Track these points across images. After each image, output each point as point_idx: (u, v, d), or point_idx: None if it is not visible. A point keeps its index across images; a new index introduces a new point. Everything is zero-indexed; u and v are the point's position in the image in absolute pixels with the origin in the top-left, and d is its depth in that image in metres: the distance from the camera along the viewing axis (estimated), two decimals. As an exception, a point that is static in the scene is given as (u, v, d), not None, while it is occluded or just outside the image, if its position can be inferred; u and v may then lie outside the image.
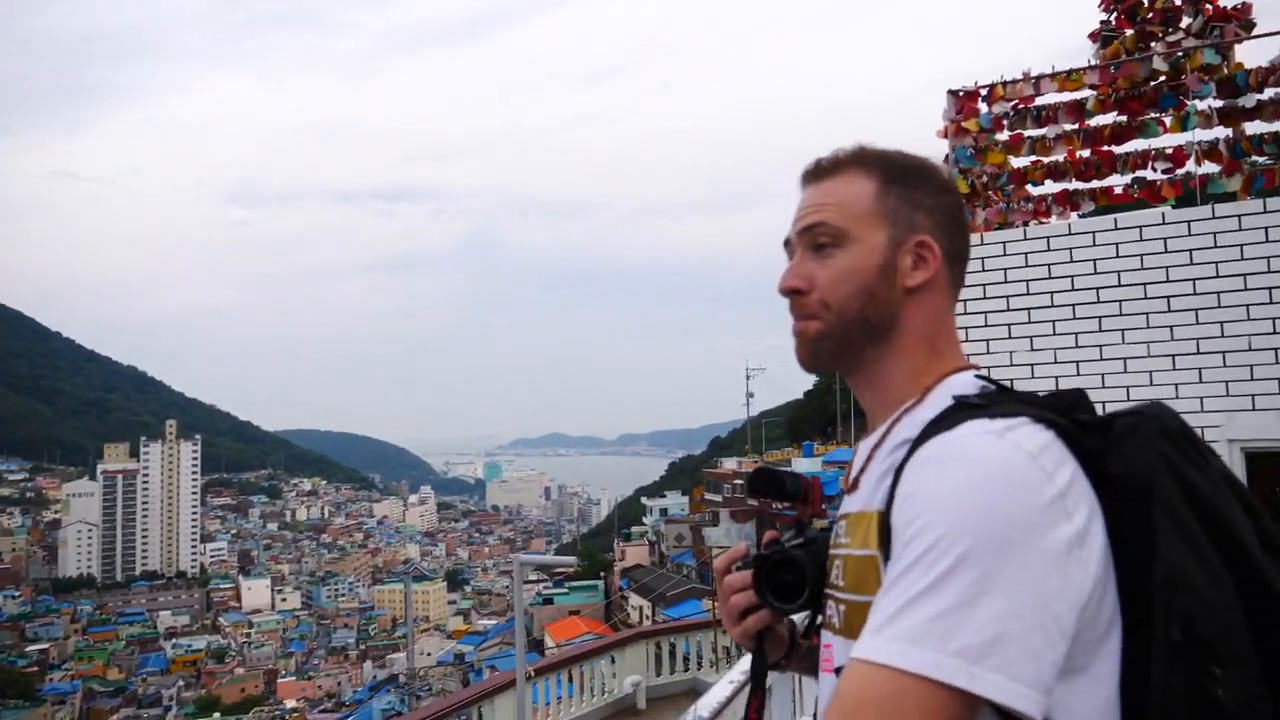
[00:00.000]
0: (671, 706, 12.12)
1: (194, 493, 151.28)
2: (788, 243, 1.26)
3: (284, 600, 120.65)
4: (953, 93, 6.36)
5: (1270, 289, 5.18)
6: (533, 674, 10.79)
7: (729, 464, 68.48)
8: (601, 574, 63.03)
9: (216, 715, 76.28)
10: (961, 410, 1.06)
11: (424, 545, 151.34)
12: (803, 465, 57.36)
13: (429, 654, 68.57)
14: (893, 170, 1.21)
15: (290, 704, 77.43)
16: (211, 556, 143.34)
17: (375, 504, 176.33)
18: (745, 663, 3.07)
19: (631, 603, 52.48)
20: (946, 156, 6.37)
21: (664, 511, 73.14)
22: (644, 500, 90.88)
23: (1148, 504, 0.98)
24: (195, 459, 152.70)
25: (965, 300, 5.98)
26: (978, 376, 1.17)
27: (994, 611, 0.90)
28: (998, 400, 1.07)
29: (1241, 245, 5.26)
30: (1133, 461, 1.01)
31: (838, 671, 1.07)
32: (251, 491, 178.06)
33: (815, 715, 1.26)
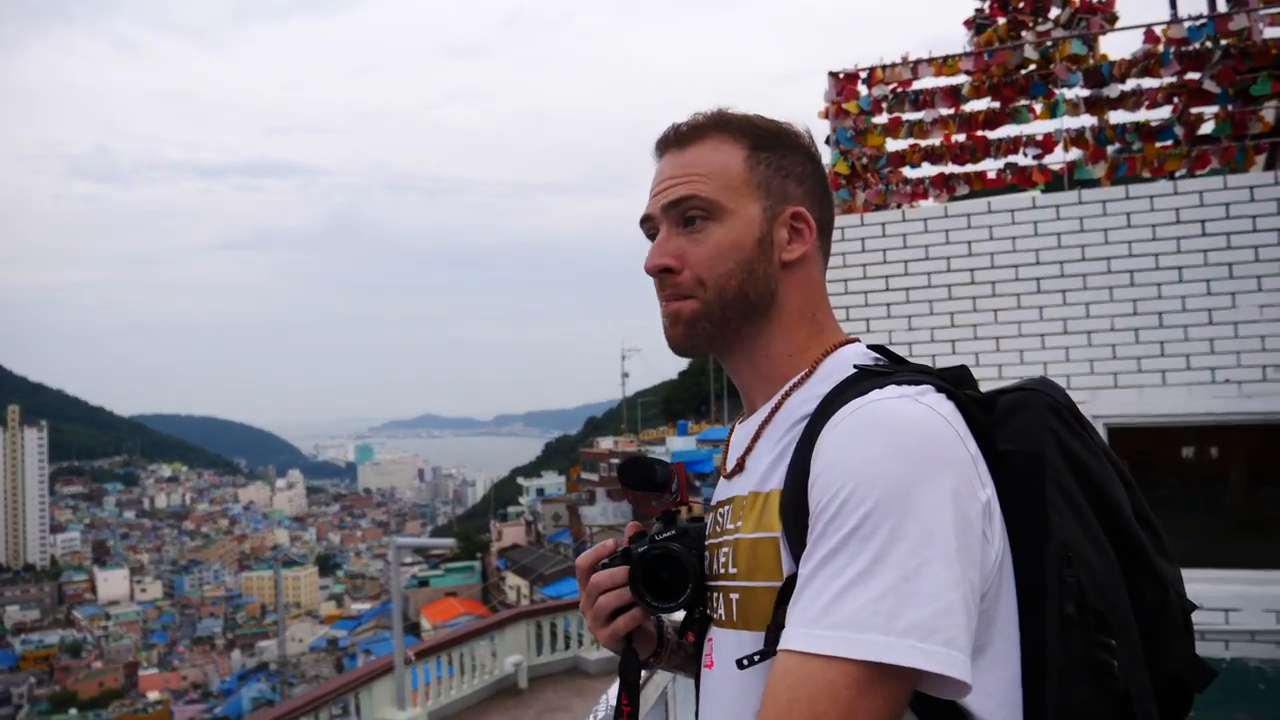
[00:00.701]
0: (553, 685, 12.13)
1: (41, 481, 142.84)
2: (647, 219, 1.18)
3: (144, 591, 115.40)
4: (834, 75, 6.45)
5: (1132, 272, 5.45)
6: (413, 657, 10.62)
7: (605, 443, 68.82)
8: (478, 555, 62.58)
9: (73, 711, 72.63)
10: (866, 378, 1.02)
11: (293, 530, 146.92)
12: (678, 444, 58.07)
13: (301, 640, 66.83)
14: (760, 136, 1.14)
15: (153, 696, 74.25)
16: (63, 548, 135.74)
17: (241, 489, 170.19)
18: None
19: (509, 583, 52.31)
20: (828, 138, 6.46)
21: (541, 491, 72.95)
22: (520, 481, 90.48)
23: (1039, 481, 0.98)
24: (42, 446, 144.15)
25: (846, 280, 6.10)
26: (870, 347, 1.14)
27: (936, 583, 0.87)
28: (900, 369, 1.04)
29: (1106, 230, 5.51)
30: (1023, 438, 1.00)
31: (741, 664, 1.00)
32: (106, 479, 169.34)
33: (696, 715, 1.21)
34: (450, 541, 18.53)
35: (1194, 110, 5.74)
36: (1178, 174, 5.75)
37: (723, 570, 1.11)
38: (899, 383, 0.98)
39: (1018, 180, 6.10)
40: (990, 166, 6.21)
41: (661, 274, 1.14)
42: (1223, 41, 5.62)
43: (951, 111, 6.13)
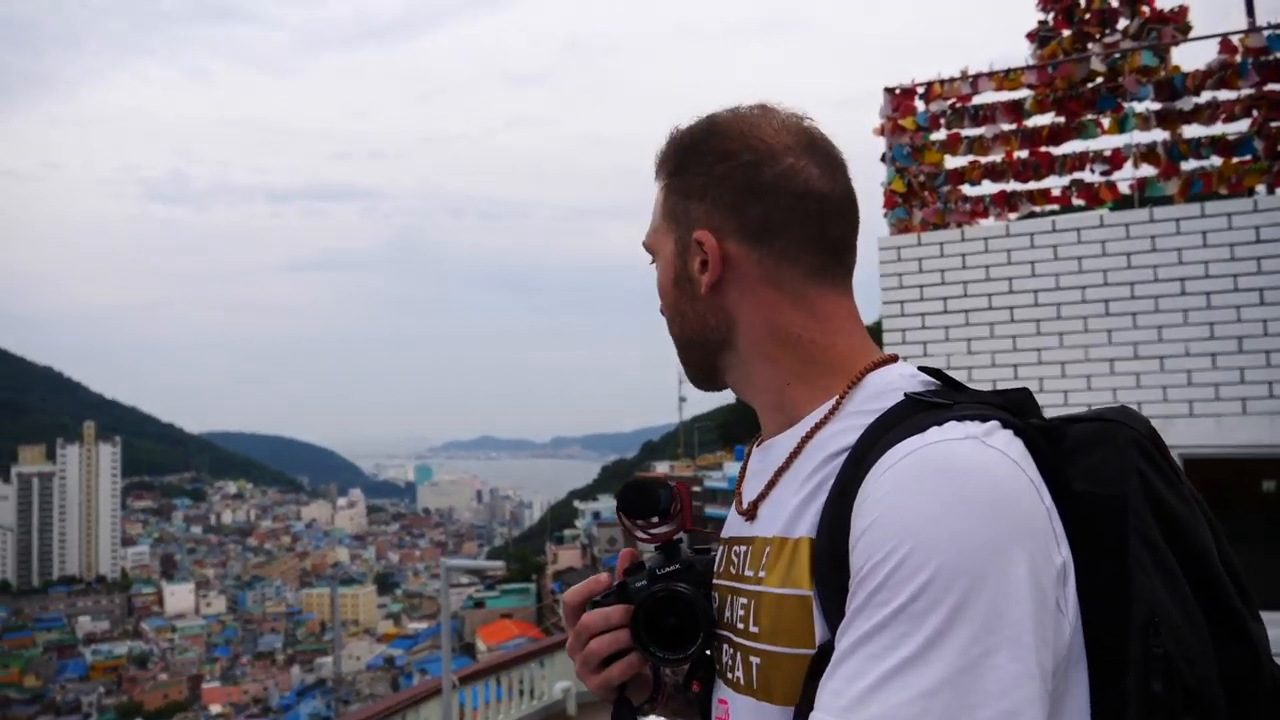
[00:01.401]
0: (602, 712, 11.89)
1: (114, 495, 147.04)
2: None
3: (208, 605, 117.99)
4: (889, 90, 6.27)
5: (1207, 294, 5.17)
6: (458, 682, 10.55)
7: (661, 467, 68.86)
8: (533, 577, 62.83)
9: (138, 720, 74.31)
10: (920, 409, 0.85)
11: (353, 548, 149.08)
12: (734, 469, 57.84)
13: (358, 658, 67.62)
14: (674, 160, 1.03)
15: (215, 709, 75.74)
16: (133, 561, 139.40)
17: (303, 507, 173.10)
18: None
19: (564, 606, 52.35)
20: (884, 155, 6.28)
21: (596, 515, 73.19)
22: (576, 503, 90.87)
23: (1122, 531, 0.81)
24: (115, 461, 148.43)
25: (902, 303, 5.91)
26: (921, 368, 0.96)
27: (1002, 678, 0.71)
28: (960, 399, 0.86)
29: (1179, 250, 5.24)
30: (1102, 479, 0.83)
31: None
32: (175, 495, 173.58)
33: None
34: (500, 564, 18.49)
35: (1274, 123, 5.43)
36: (1257, 190, 5.45)
37: (741, 625, 0.96)
38: (960, 417, 0.82)
39: (1084, 198, 5.84)
40: (1055, 184, 5.96)
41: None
42: (1306, 51, 5.32)
43: (1014, 127, 5.90)
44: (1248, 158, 5.49)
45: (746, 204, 0.97)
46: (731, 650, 0.97)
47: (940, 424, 0.81)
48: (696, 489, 58.99)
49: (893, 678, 0.72)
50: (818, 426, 0.93)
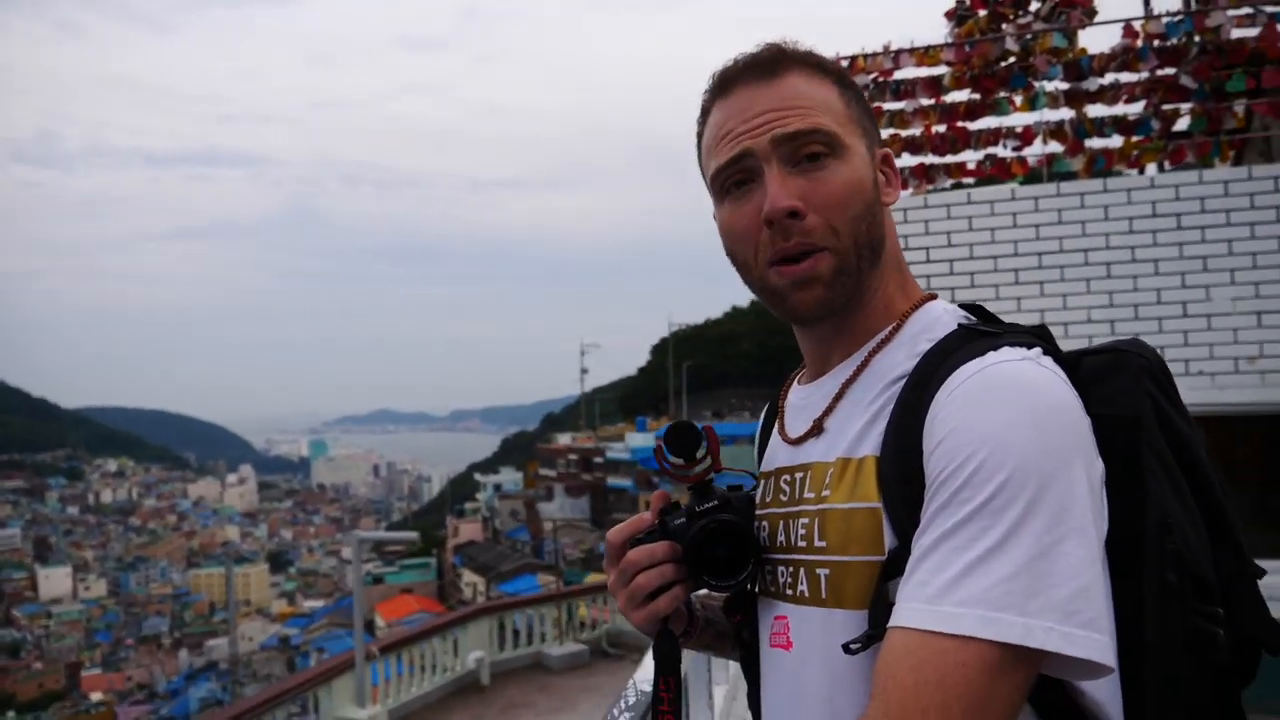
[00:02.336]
0: (516, 681, 12.03)
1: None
2: (741, 158, 1.01)
3: (87, 589, 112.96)
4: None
5: (1108, 264, 5.49)
6: (377, 652, 10.46)
7: (563, 439, 68.80)
8: (434, 551, 62.13)
9: (10, 714, 70.90)
10: (975, 337, 0.95)
11: (244, 526, 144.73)
12: (636, 440, 58.22)
13: (251, 639, 65.89)
14: (843, 76, 1.07)
15: (96, 696, 72.75)
16: (2, 544, 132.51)
17: (190, 484, 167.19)
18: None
19: (465, 580, 52.00)
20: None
21: (498, 487, 72.76)
22: (477, 476, 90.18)
23: (1136, 446, 0.91)
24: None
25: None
26: (959, 304, 1.08)
27: (1073, 560, 0.82)
28: (1008, 328, 0.98)
29: (1083, 222, 5.54)
30: (1118, 402, 0.94)
31: (849, 648, 0.92)
32: (48, 473, 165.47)
33: (757, 696, 1.14)
34: (414, 535, 18.38)
35: (1170, 105, 5.79)
36: (1154, 167, 5.80)
37: (803, 543, 1.03)
38: (1011, 343, 0.92)
39: (997, 171, 6.12)
40: (970, 158, 6.24)
41: (789, 219, 0.99)
42: (1198, 38, 5.68)
43: (932, 102, 6.13)
44: (1145, 137, 5.84)
45: (878, 139, 1.10)
46: (791, 569, 1.05)
47: (996, 349, 0.91)
48: (598, 459, 59.13)
49: (977, 566, 0.81)
50: (877, 349, 1.03)
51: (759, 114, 1.01)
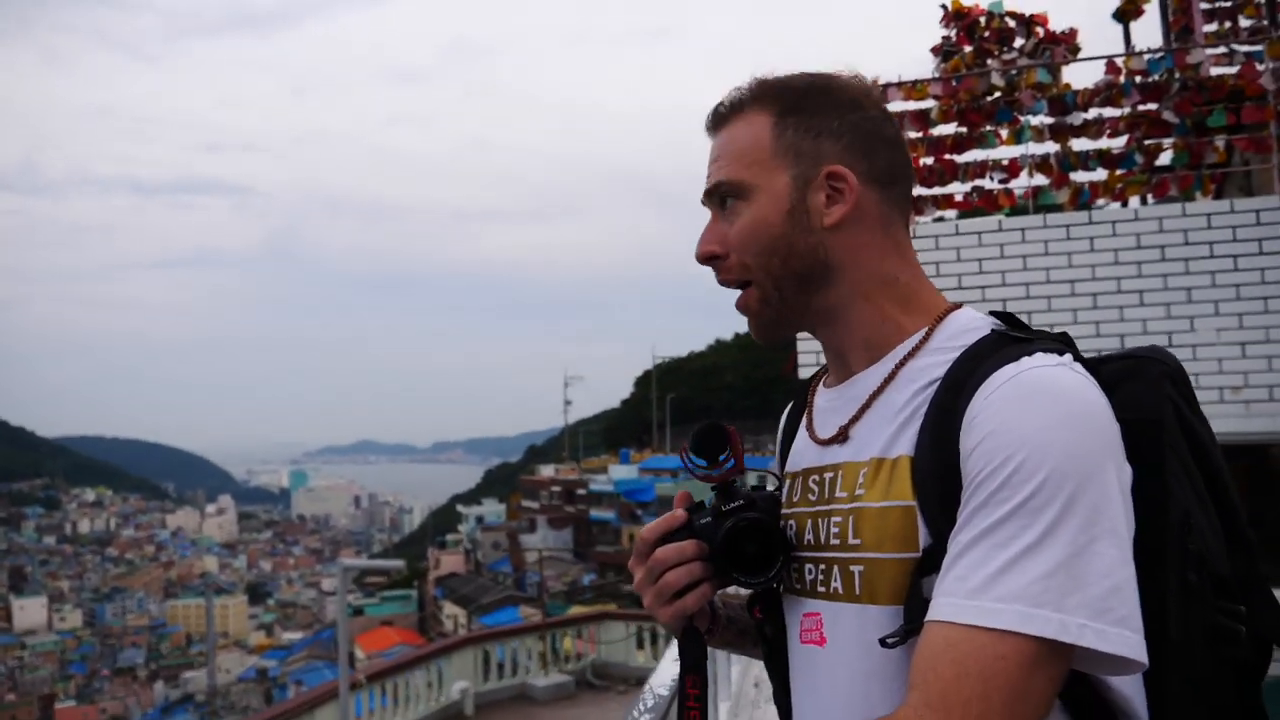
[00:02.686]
0: (500, 712, 11.94)
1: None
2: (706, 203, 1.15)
3: (63, 620, 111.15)
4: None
5: (1095, 295, 5.57)
6: (364, 681, 10.37)
7: (546, 471, 68.51)
8: (414, 583, 61.56)
9: (-19, 748, 69.47)
10: (1008, 343, 0.98)
11: (223, 557, 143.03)
12: (620, 472, 58.07)
13: (229, 671, 64.92)
14: (788, 99, 1.08)
15: (69, 730, 71.36)
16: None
17: (169, 515, 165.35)
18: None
19: (446, 612, 51.51)
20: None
21: (480, 519, 72.21)
22: (459, 508, 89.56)
23: (1159, 450, 0.95)
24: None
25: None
26: (991, 312, 1.09)
27: (1107, 560, 0.85)
28: (1038, 335, 1.00)
29: (1070, 254, 5.63)
30: (1141, 406, 0.97)
31: (886, 643, 0.95)
32: (25, 503, 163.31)
33: (786, 692, 1.16)
34: (400, 563, 18.23)
35: (1152, 140, 5.92)
36: (1137, 200, 5.91)
37: (836, 540, 1.06)
38: (1043, 349, 0.95)
39: (984, 203, 6.22)
40: (957, 189, 6.33)
41: (709, 261, 1.11)
42: (1179, 75, 5.81)
43: (920, 135, 6.23)
44: (1129, 170, 5.96)
45: (876, 151, 1.07)
46: (823, 566, 1.08)
47: (1030, 354, 0.94)
48: (581, 491, 58.89)
49: (1016, 563, 0.84)
50: (908, 357, 1.05)
51: (708, 165, 1.13)
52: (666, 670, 1.89)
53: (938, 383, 1.00)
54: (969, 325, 1.05)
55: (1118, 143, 6.07)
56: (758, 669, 4.39)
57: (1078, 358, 0.99)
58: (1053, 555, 0.84)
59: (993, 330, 1.02)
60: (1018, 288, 5.70)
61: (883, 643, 0.94)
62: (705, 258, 1.11)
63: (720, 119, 1.12)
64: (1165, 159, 6.03)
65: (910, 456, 0.99)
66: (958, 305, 1.10)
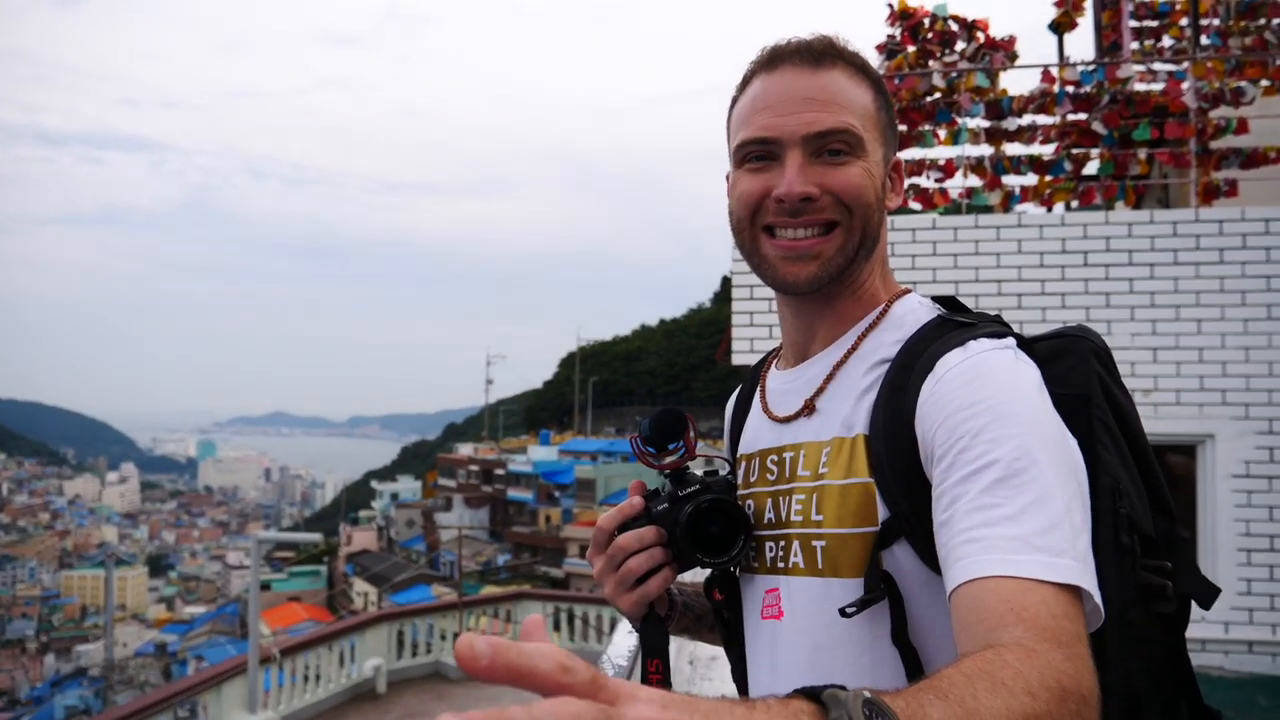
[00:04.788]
0: (413, 690, 11.85)
1: None
2: (767, 141, 1.08)
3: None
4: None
5: (1020, 295, 5.76)
6: (278, 655, 10.17)
7: (465, 450, 67.88)
8: (324, 559, 60.54)
9: None
10: (954, 328, 1.04)
11: (123, 527, 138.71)
12: (540, 453, 57.85)
13: (126, 645, 62.99)
14: (878, 82, 1.14)
15: (-49, 704, 68.43)
16: None
17: (66, 481, 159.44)
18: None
19: (357, 589, 50.79)
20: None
21: (395, 496, 71.35)
22: (374, 484, 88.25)
23: (1088, 420, 1.01)
24: None
25: (751, 287, 6.20)
26: (932, 297, 1.16)
27: (1082, 517, 0.90)
28: (981, 320, 1.07)
29: (999, 254, 5.81)
30: (1071, 381, 1.03)
31: (845, 612, 0.98)
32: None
33: (743, 670, 1.20)
34: (317, 536, 17.98)
35: (1081, 149, 6.13)
36: (1064, 206, 6.12)
37: (799, 518, 1.09)
38: (987, 334, 1.01)
39: (920, 201, 6.36)
40: (894, 187, 6.46)
41: (802, 203, 1.07)
42: (1109, 87, 6.02)
43: (860, 131, 6.34)
44: (1057, 177, 6.16)
45: (896, 148, 1.18)
46: (783, 543, 1.11)
47: (975, 339, 1.00)
48: (500, 471, 58.54)
49: (1029, 518, 0.86)
50: (863, 336, 1.11)
51: (798, 98, 1.07)
52: (622, 642, 1.90)
53: (889, 362, 1.05)
54: (916, 308, 1.12)
55: (1048, 150, 6.28)
56: (692, 647, 4.46)
57: (1021, 339, 1.04)
58: (1052, 512, 0.87)
59: (938, 315, 1.09)
60: (947, 285, 5.86)
61: (842, 612, 0.98)
62: (804, 197, 1.06)
63: (814, 56, 1.09)
64: (1092, 168, 6.25)
65: (865, 435, 1.04)
66: (908, 289, 1.17)
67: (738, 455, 1.26)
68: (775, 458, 1.15)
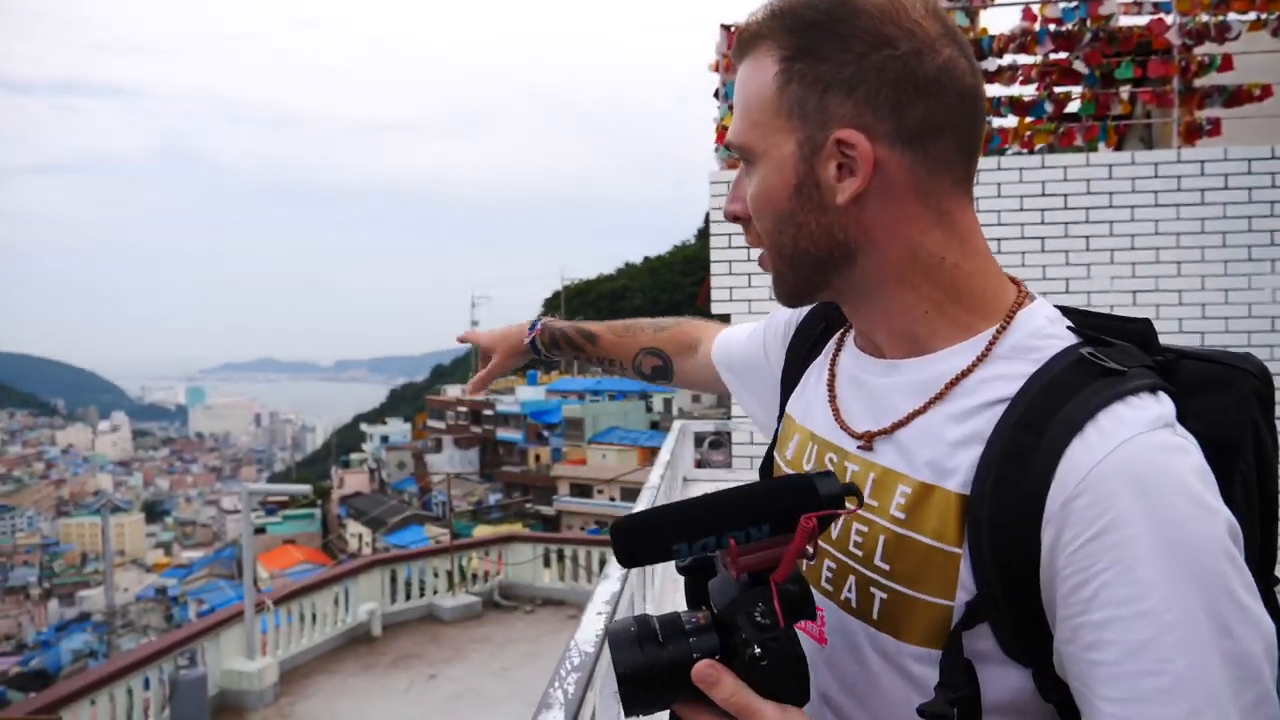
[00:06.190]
0: (407, 632, 12.03)
1: None
2: None
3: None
4: (725, 27, 6.47)
5: (999, 240, 5.75)
6: (271, 605, 10.31)
7: (452, 391, 68.01)
8: (319, 502, 61.03)
9: None
10: (1096, 374, 0.82)
11: (118, 475, 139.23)
12: (527, 393, 57.99)
13: (127, 589, 63.77)
14: (800, 36, 0.86)
15: (-44, 650, 69.40)
16: None
17: (59, 431, 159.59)
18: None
19: (351, 530, 51.33)
20: (718, 92, 6.49)
21: (385, 439, 71.77)
22: (364, 427, 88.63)
23: (1229, 473, 0.84)
24: None
25: (730, 234, 6.16)
26: (1059, 308, 0.93)
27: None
28: (1128, 355, 0.85)
29: (977, 198, 5.76)
30: (1219, 424, 0.85)
31: (924, 713, 0.83)
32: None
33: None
34: (306, 488, 17.96)
35: (1062, 89, 6.06)
36: (1045, 148, 6.07)
37: (858, 551, 0.91)
38: (1136, 391, 0.80)
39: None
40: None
41: (736, 221, 0.96)
42: (1091, 25, 5.94)
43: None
44: (1038, 118, 6.11)
45: (908, 101, 0.84)
46: (837, 568, 0.94)
47: (1123, 398, 0.79)
48: (488, 412, 58.74)
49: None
50: (965, 373, 0.87)
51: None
52: (590, 626, 1.92)
53: (1004, 406, 0.83)
54: (1039, 331, 0.87)
55: (1029, 90, 6.21)
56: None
57: (1163, 369, 0.86)
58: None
59: (1076, 348, 0.84)
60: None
61: (921, 711, 0.83)
62: (731, 217, 0.96)
63: (741, 49, 0.93)
64: (1074, 108, 6.19)
65: (963, 495, 0.83)
66: (1025, 294, 0.92)
67: (786, 412, 1.10)
68: (835, 457, 0.96)
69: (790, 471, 1.02)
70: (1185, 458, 0.78)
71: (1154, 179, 5.58)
